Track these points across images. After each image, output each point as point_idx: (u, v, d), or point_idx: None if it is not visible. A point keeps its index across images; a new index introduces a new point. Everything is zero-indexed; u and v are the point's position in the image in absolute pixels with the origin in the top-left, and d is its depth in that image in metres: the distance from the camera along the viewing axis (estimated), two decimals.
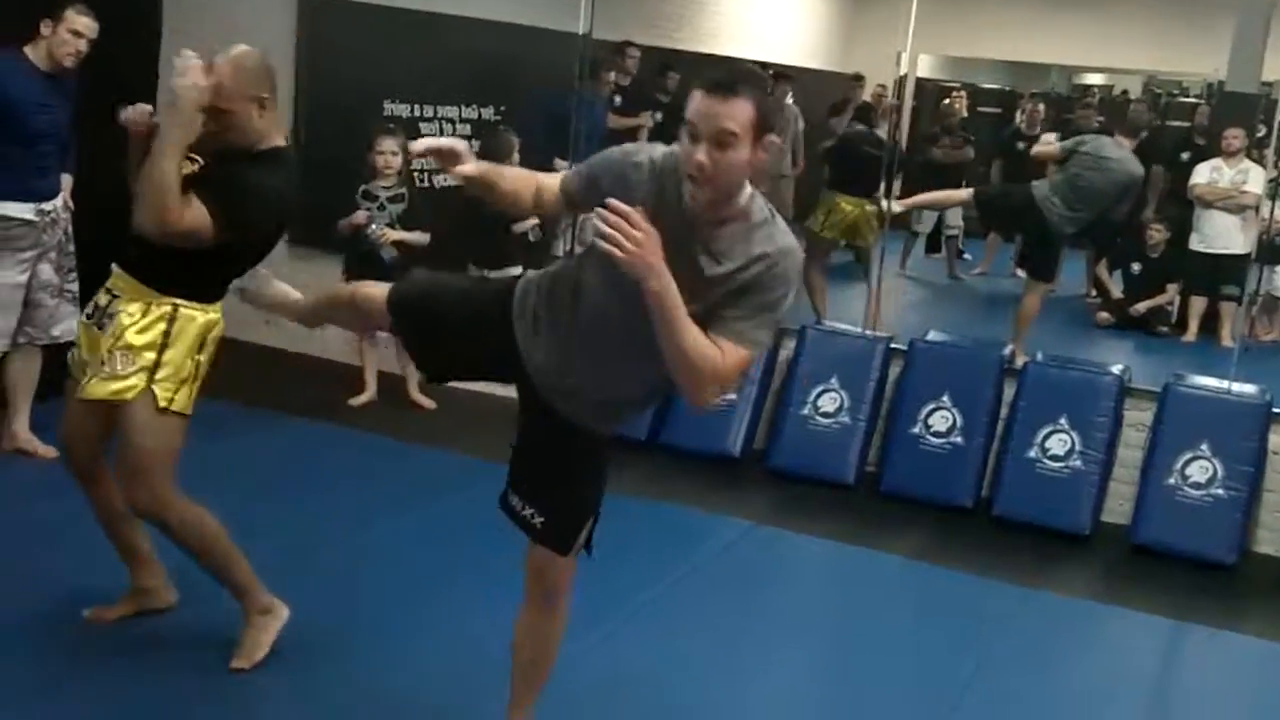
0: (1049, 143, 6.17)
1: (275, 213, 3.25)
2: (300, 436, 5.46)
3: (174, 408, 3.18)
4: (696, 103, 2.36)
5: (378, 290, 3.02)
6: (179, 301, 3.20)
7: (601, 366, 2.62)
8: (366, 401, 6.05)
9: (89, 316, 3.31)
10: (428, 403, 6.08)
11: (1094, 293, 7.27)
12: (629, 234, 2.26)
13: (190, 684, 3.31)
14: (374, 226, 5.77)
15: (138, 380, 3.16)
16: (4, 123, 4.44)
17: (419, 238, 5.83)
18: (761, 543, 4.81)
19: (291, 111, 6.56)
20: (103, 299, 3.27)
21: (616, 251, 2.26)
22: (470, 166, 2.70)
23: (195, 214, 3.02)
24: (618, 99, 6.74)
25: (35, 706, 3.14)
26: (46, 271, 4.70)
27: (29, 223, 4.57)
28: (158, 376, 3.17)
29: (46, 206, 4.63)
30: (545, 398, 2.72)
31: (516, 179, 2.80)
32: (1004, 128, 7.94)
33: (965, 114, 7.86)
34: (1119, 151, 5.93)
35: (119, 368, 3.16)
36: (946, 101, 7.93)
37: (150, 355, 3.17)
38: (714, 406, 2.34)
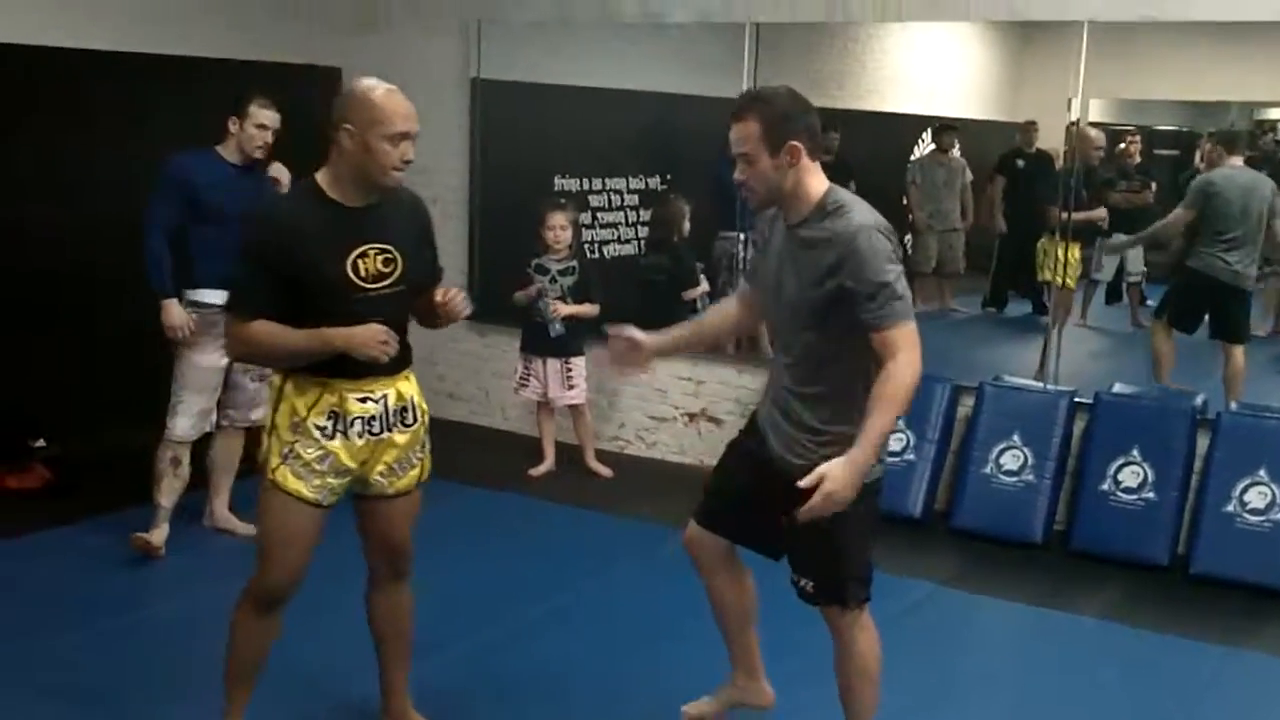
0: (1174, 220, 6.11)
1: None
2: (481, 505, 5.58)
3: None
4: (729, 133, 2.91)
5: (690, 530, 3.35)
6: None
7: (785, 368, 3.06)
8: (545, 471, 6.15)
9: (371, 433, 3.09)
10: (605, 471, 6.15)
11: None
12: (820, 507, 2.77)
13: None
14: (546, 300, 5.91)
15: None
16: (198, 210, 4.69)
17: (589, 310, 5.94)
18: (948, 604, 4.72)
19: (467, 189, 6.79)
20: (370, 408, 3.08)
21: (824, 511, 2.78)
22: (667, 343, 3.30)
23: None
24: None
25: None
26: None
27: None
28: None
29: None
30: (772, 447, 3.09)
31: (720, 319, 3.45)
32: (1182, 169, 7.70)
33: (1140, 157, 7.65)
34: (1242, 171, 5.90)
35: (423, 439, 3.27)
36: (1122, 146, 7.73)
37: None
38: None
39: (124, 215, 5.05)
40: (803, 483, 2.78)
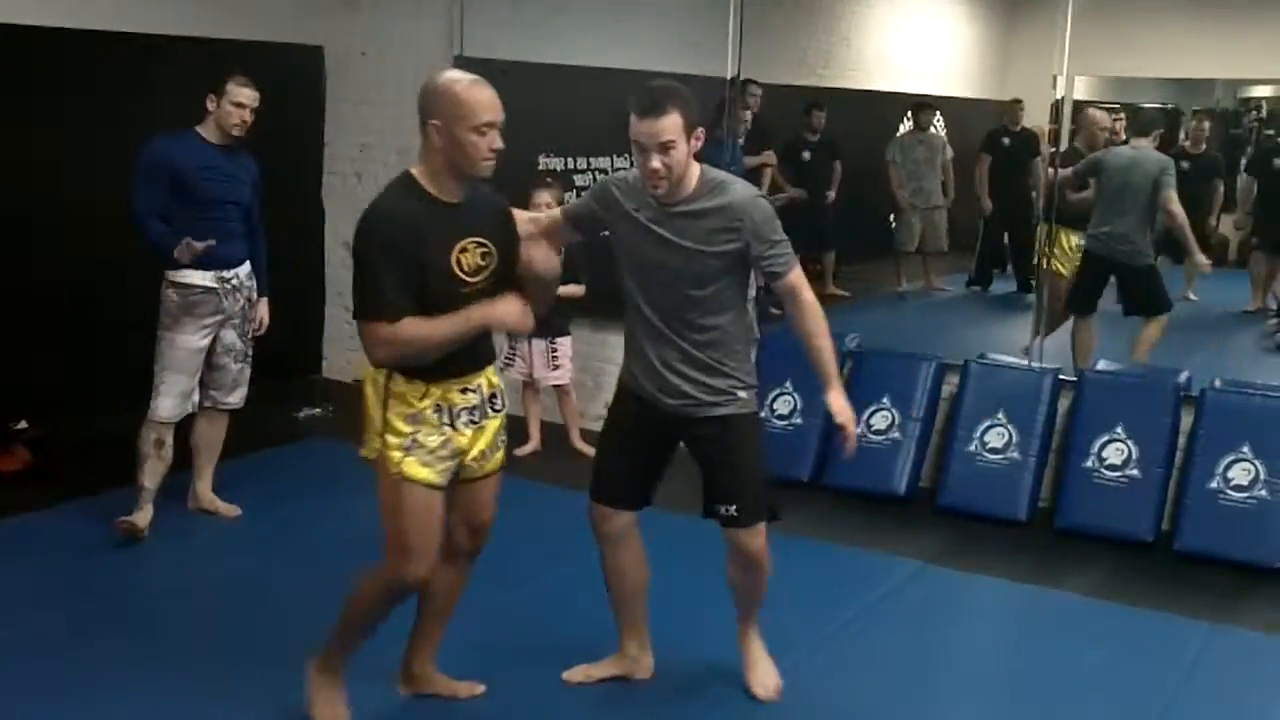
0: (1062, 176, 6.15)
1: None
2: None
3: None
4: (636, 125, 3.14)
5: (594, 512, 3.62)
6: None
7: (666, 329, 3.30)
8: (531, 451, 6.14)
9: (474, 422, 3.20)
10: (591, 451, 6.13)
11: (1274, 310, 6.98)
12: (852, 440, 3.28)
13: None
14: None
15: None
16: (178, 191, 4.65)
17: (574, 290, 5.92)
18: (934, 582, 4.72)
19: None
20: (471, 398, 3.18)
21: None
22: None
23: None
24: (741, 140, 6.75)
25: None
26: (230, 337, 4.89)
27: (209, 289, 4.77)
28: None
29: (227, 274, 4.82)
30: (659, 397, 3.35)
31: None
32: (1167, 148, 7.72)
33: (1125, 135, 7.67)
34: (1135, 150, 6.06)
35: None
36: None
37: None
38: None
39: (103, 196, 5.02)
40: (845, 430, 3.25)
